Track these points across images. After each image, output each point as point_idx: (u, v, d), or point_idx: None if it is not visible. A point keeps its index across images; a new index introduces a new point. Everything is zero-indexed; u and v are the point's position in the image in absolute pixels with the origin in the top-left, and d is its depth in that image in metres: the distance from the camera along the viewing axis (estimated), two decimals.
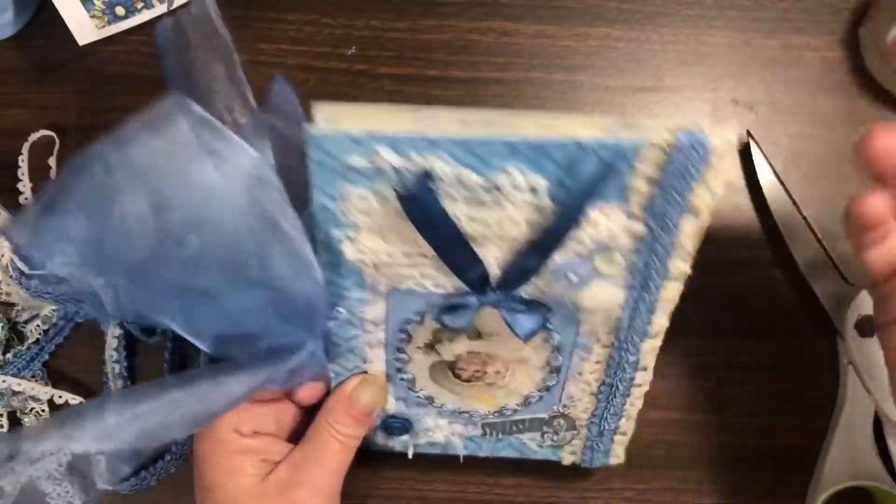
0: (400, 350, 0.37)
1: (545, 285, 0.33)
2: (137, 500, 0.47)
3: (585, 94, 0.46)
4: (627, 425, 0.40)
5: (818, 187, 0.45)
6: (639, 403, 0.39)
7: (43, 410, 0.46)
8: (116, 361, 0.44)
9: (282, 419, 0.39)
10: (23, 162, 0.46)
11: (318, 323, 0.35)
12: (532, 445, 0.41)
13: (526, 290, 0.34)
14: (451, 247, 0.32)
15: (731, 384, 0.45)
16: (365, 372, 0.38)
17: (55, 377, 0.45)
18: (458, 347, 0.37)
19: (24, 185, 0.46)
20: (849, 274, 0.43)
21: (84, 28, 0.44)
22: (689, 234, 0.32)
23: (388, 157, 0.29)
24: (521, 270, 0.33)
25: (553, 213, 0.30)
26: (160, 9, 0.45)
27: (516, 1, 0.47)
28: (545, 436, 0.40)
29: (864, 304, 0.43)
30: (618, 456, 0.41)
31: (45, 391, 0.45)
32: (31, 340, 0.46)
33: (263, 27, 0.47)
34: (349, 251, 0.33)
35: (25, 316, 0.46)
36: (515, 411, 0.39)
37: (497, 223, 0.31)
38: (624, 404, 0.38)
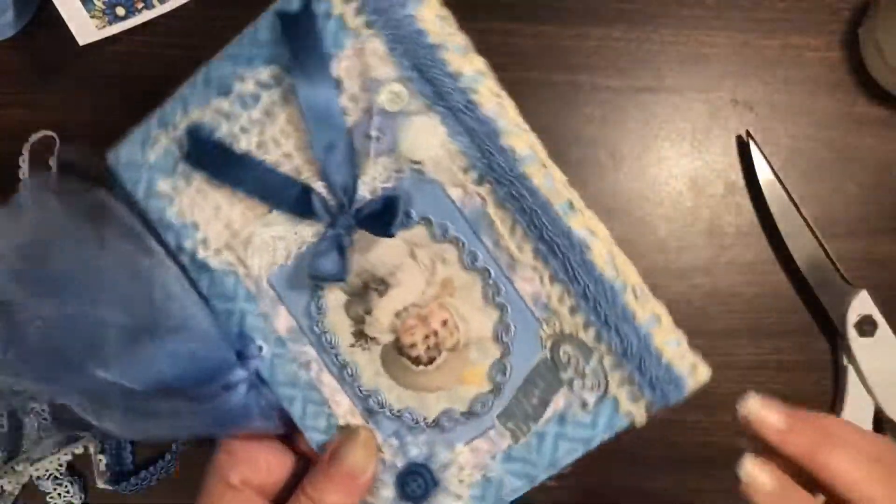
0: (337, 357, 0.34)
1: (372, 168, 0.33)
2: (137, 500, 0.47)
3: (585, 94, 0.46)
4: (643, 303, 0.32)
5: (818, 187, 0.45)
6: (629, 271, 0.32)
7: (43, 410, 0.46)
8: None
9: (275, 469, 0.35)
10: (23, 162, 0.46)
11: (225, 365, 0.33)
12: (578, 416, 0.33)
13: (368, 191, 0.33)
14: (259, 174, 0.33)
15: (731, 384, 0.45)
16: (340, 427, 0.34)
17: None
18: (381, 314, 0.34)
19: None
20: (849, 274, 0.43)
21: (84, 28, 0.44)
22: (429, 19, 0.32)
23: (161, 134, 0.34)
24: (337, 161, 0.32)
25: (304, 84, 0.32)
26: (160, 9, 0.45)
27: (516, 1, 0.46)
28: (573, 387, 0.32)
29: (864, 304, 0.43)
30: (695, 368, 0.33)
31: None
32: None
33: None
34: (205, 254, 0.35)
35: None
36: (508, 370, 0.33)
37: (283, 133, 0.33)
38: (595, 270, 0.31)
